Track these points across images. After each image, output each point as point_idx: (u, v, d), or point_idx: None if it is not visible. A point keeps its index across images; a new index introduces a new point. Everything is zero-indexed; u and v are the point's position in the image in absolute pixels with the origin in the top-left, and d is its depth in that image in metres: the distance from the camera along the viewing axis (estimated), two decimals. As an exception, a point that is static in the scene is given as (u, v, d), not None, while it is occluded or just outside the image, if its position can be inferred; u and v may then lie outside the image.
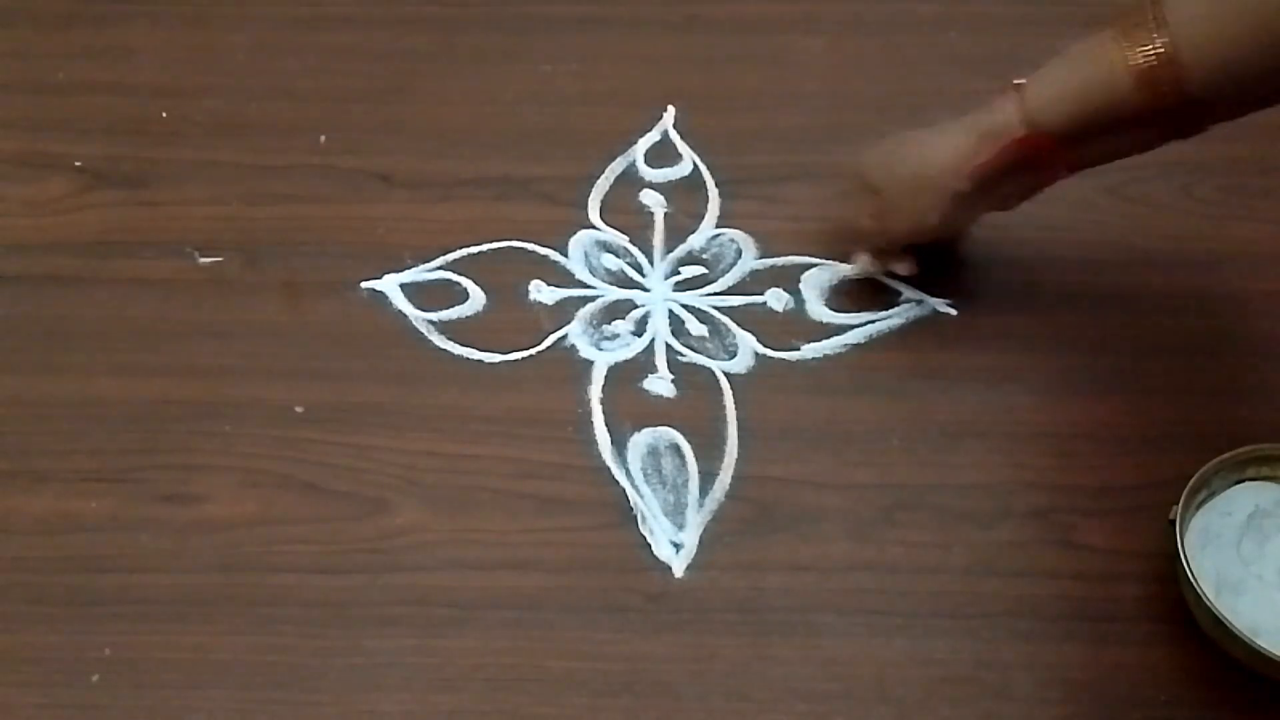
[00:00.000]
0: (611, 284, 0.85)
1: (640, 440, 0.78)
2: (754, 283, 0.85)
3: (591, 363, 0.81)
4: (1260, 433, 0.74)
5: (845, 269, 0.84)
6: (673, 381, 0.80)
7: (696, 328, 0.83)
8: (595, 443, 0.77)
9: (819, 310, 0.83)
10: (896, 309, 0.83)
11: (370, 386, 0.80)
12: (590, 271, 0.85)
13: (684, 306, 0.84)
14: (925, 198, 0.76)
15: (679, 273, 0.85)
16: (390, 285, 0.84)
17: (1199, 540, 0.71)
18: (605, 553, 0.74)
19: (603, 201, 0.88)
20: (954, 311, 0.83)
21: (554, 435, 0.78)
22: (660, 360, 0.81)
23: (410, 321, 0.83)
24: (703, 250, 0.86)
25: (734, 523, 0.75)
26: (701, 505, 0.75)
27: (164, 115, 0.93)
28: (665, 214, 0.88)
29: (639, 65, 0.96)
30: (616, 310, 0.84)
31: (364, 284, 0.84)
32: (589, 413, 0.79)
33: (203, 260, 0.86)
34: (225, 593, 0.72)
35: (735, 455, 0.77)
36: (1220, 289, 0.84)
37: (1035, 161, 0.72)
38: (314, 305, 0.84)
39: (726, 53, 0.97)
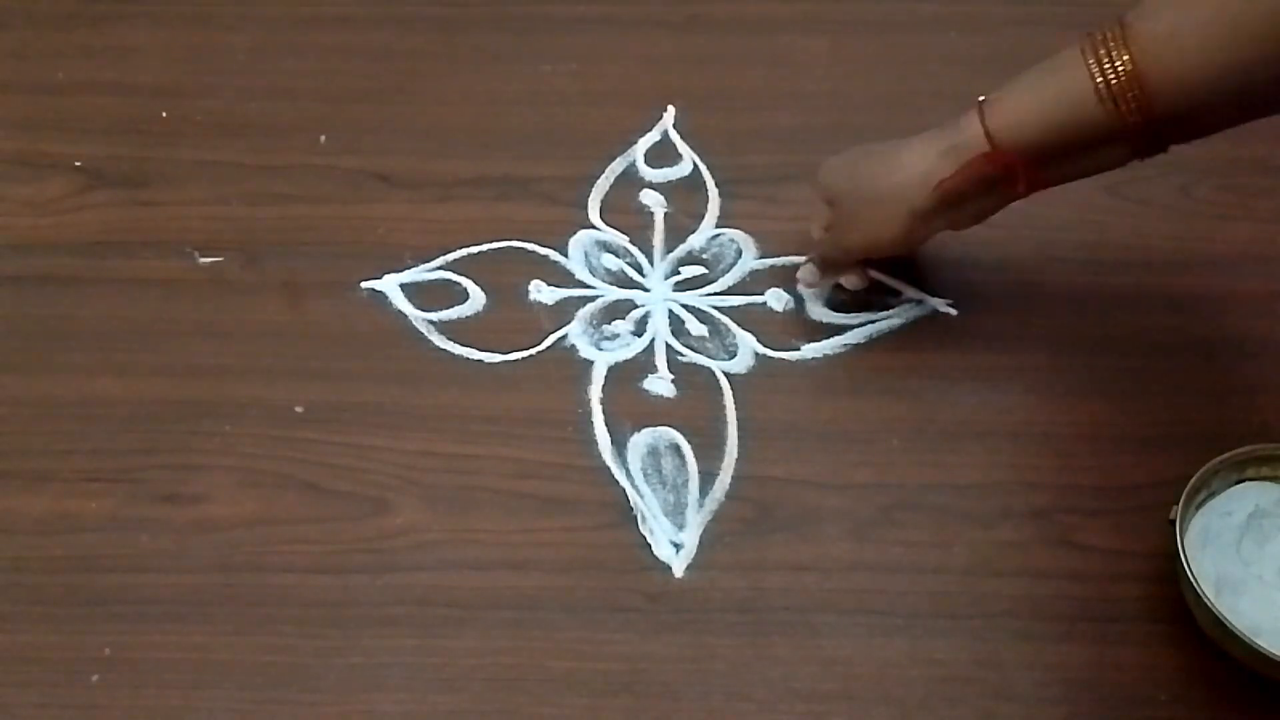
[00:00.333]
0: (611, 284, 0.85)
1: (640, 440, 0.78)
2: (754, 283, 0.85)
3: (591, 363, 0.81)
4: (1260, 433, 0.74)
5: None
6: (673, 381, 0.80)
7: (696, 328, 0.83)
8: (595, 443, 0.77)
9: (819, 310, 0.83)
10: (896, 309, 0.83)
11: (370, 386, 0.80)
12: (590, 271, 0.85)
13: (684, 306, 0.84)
14: (884, 212, 0.75)
15: (679, 273, 0.85)
16: (390, 285, 0.84)
17: (1199, 540, 0.71)
18: (605, 553, 0.74)
19: (603, 201, 0.88)
20: (954, 311, 0.83)
21: (554, 435, 0.78)
22: (660, 360, 0.81)
23: (410, 321, 0.83)
24: (703, 250, 0.86)
25: (734, 523, 0.75)
26: (701, 505, 0.75)
27: (164, 115, 0.93)
28: (665, 214, 0.88)
29: (639, 65, 0.96)
30: (616, 310, 0.84)
31: (364, 284, 0.84)
32: (589, 413, 0.79)
33: (203, 260, 0.86)
34: (225, 593, 0.72)
35: (735, 455, 0.77)
36: (1220, 289, 0.84)
37: (999, 178, 0.71)
38: (314, 305, 0.84)
39: (726, 53, 0.97)
